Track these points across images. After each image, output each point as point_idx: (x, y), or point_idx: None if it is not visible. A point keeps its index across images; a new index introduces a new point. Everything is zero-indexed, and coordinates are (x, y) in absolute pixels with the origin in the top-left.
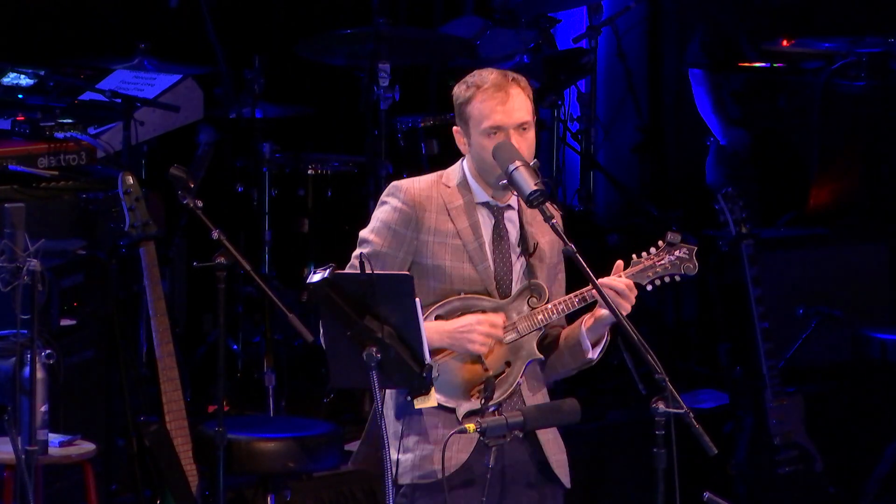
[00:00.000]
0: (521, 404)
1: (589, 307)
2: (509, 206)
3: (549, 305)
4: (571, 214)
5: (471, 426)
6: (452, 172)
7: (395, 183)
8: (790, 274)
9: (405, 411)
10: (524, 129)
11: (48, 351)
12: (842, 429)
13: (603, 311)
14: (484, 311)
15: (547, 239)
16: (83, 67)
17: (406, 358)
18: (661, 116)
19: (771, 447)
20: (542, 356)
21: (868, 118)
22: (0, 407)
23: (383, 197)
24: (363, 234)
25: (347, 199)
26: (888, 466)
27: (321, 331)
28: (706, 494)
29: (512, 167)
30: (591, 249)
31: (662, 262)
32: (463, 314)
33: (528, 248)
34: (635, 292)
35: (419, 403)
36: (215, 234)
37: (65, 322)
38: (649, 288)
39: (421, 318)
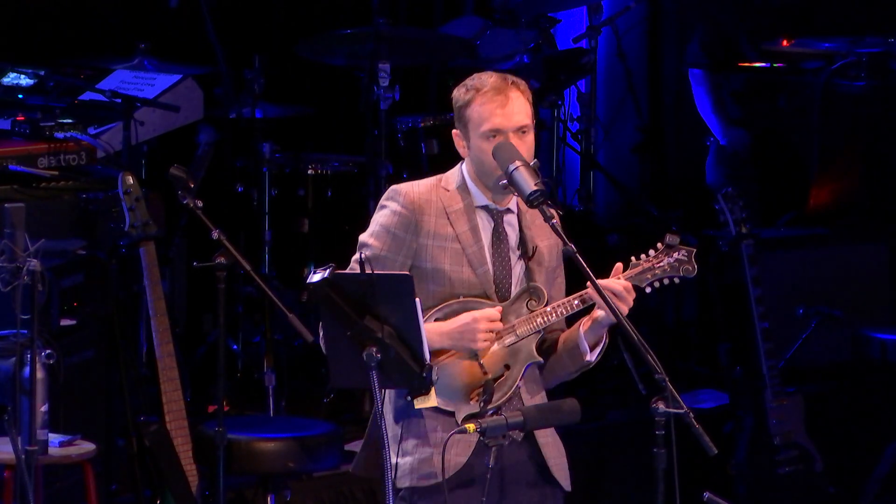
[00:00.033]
0: (520, 407)
1: (588, 310)
2: (508, 210)
3: (548, 308)
4: (571, 214)
5: (471, 426)
6: (452, 176)
7: (394, 187)
8: (790, 274)
9: (404, 415)
10: (523, 132)
11: (48, 351)
12: (842, 429)
13: (600, 313)
14: None
15: (546, 243)
16: (83, 67)
17: (406, 358)
18: (661, 116)
19: (771, 447)
20: (541, 359)
21: (868, 118)
22: (0, 407)
23: (382, 201)
24: (363, 238)
25: (347, 199)
26: (888, 466)
27: (321, 332)
28: (706, 494)
29: (512, 167)
30: (591, 249)
31: (661, 264)
32: None
33: (527, 252)
34: (633, 294)
35: (419, 403)
36: (215, 234)
37: (65, 322)
38: (648, 290)
39: (421, 318)
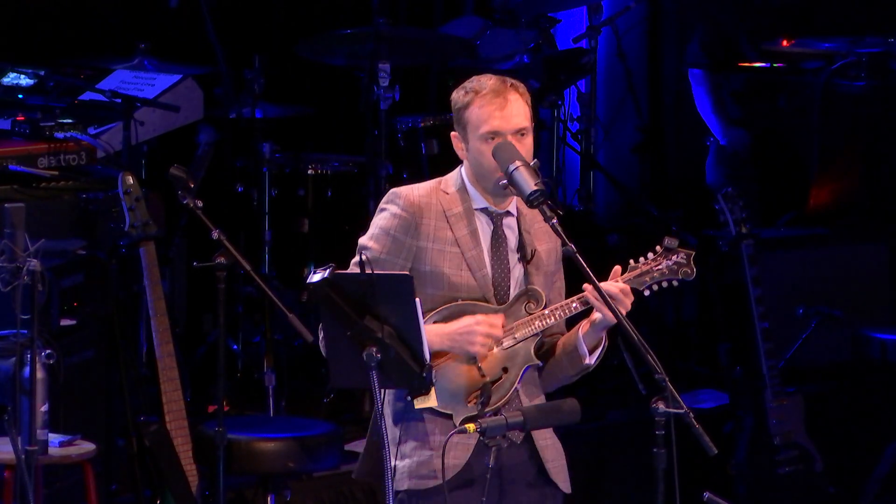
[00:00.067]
0: (520, 407)
1: (587, 313)
2: (508, 213)
3: (547, 311)
4: (571, 214)
5: (471, 426)
6: (451, 178)
7: (394, 190)
8: (790, 274)
9: (402, 417)
10: (522, 134)
11: (48, 351)
12: (842, 429)
13: (597, 315)
14: None
15: (545, 247)
16: (83, 67)
17: (406, 358)
18: (661, 116)
19: (771, 447)
20: (539, 361)
21: (868, 118)
22: (0, 407)
23: (382, 204)
24: (362, 240)
25: (347, 199)
26: (888, 466)
27: (321, 333)
28: (706, 494)
29: (512, 167)
30: (591, 249)
31: (660, 267)
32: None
33: (525, 255)
34: (631, 298)
35: (419, 403)
36: (215, 234)
37: (65, 322)
38: (647, 293)
39: (421, 318)
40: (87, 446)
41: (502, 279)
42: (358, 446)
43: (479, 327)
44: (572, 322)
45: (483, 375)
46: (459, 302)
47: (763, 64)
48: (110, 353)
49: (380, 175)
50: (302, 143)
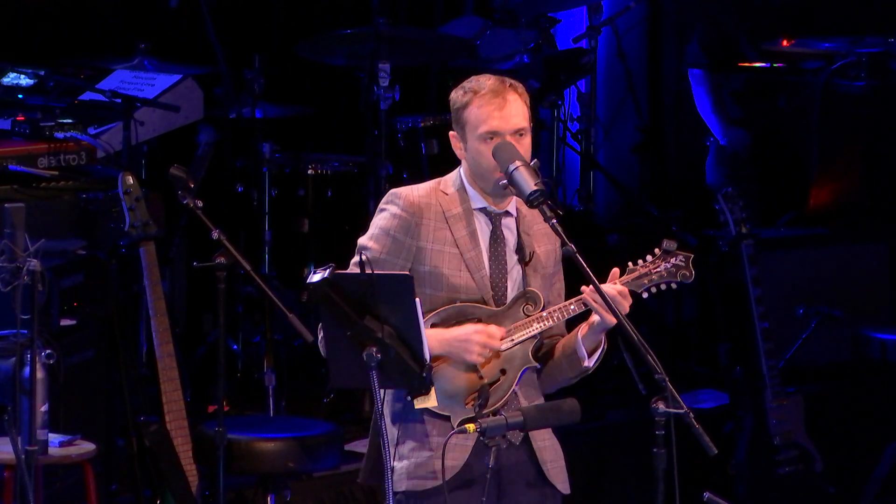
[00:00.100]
0: (520, 407)
1: (586, 315)
2: (507, 213)
3: (545, 313)
4: (571, 214)
5: (471, 426)
6: (450, 179)
7: (393, 190)
8: (790, 274)
9: (401, 418)
10: (521, 135)
11: (48, 351)
12: (842, 429)
13: (596, 318)
14: (480, 321)
15: (543, 249)
16: (83, 67)
17: (406, 358)
18: (661, 116)
19: (771, 447)
20: (537, 364)
21: (868, 118)
22: (0, 407)
23: (382, 204)
24: (362, 241)
25: (347, 199)
26: (888, 466)
27: (320, 333)
28: (706, 494)
29: (512, 167)
30: (591, 249)
31: (658, 269)
32: (458, 322)
33: (523, 257)
34: (629, 300)
35: (419, 403)
36: (215, 234)
37: (65, 322)
38: (645, 296)
39: (421, 318)
40: (87, 446)
41: (500, 280)
42: (358, 446)
43: (476, 336)
44: (572, 323)
45: (481, 377)
46: (458, 304)
47: (763, 64)
48: (110, 353)
49: (380, 175)
50: (302, 143)
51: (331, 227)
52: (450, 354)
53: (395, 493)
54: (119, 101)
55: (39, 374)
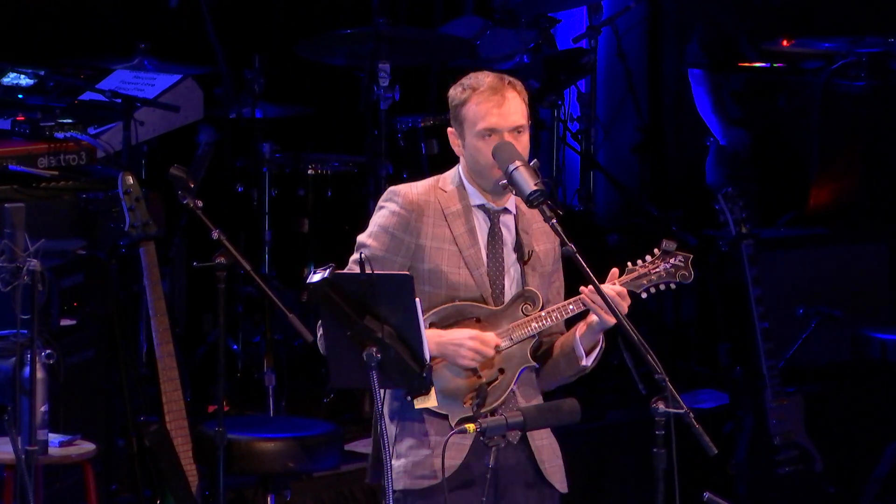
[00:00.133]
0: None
1: (585, 314)
2: (506, 210)
3: (543, 312)
4: (571, 214)
5: (471, 426)
6: (449, 176)
7: (392, 188)
8: (790, 274)
9: (399, 416)
10: (519, 132)
11: (48, 351)
12: (842, 429)
13: (594, 318)
14: (478, 320)
15: (542, 247)
16: (83, 67)
17: (406, 358)
18: (661, 116)
19: (771, 447)
20: (535, 363)
21: (868, 118)
22: (0, 407)
23: (381, 202)
24: (361, 238)
25: (347, 199)
26: (888, 466)
27: (319, 331)
28: (706, 494)
29: (512, 167)
30: (591, 249)
31: (657, 269)
32: (456, 321)
33: (522, 256)
34: (628, 301)
35: (419, 403)
36: (215, 234)
37: (65, 322)
38: (644, 296)
39: (421, 318)
40: (87, 446)
41: (497, 277)
42: (358, 446)
43: (469, 342)
44: (571, 322)
45: (479, 376)
46: (457, 303)
47: (763, 64)
48: (110, 353)
49: (380, 175)
50: (302, 143)
51: (331, 227)
52: (443, 356)
53: (392, 492)
54: (119, 101)
55: (39, 374)
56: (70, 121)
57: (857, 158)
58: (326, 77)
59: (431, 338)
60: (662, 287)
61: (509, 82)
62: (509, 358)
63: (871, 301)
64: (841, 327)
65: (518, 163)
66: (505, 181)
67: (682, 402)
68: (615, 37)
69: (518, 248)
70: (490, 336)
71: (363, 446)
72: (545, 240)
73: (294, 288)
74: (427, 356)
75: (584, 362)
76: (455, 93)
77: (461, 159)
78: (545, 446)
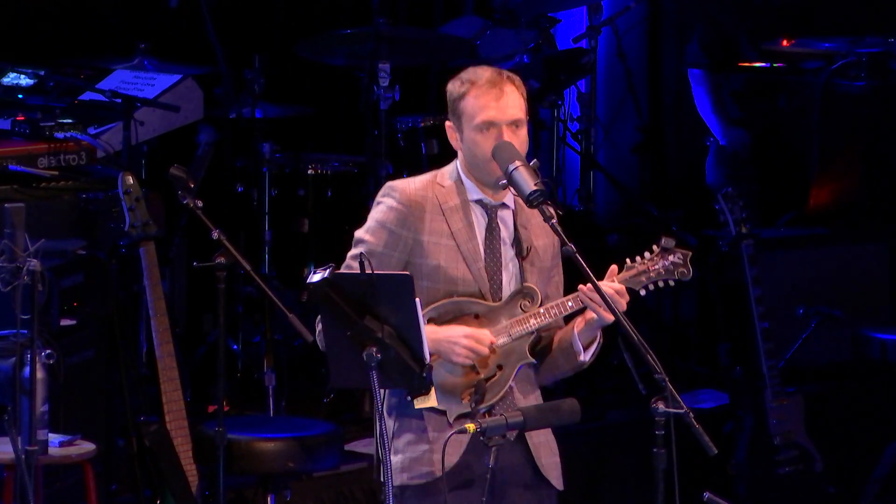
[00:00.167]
0: (520, 407)
1: (583, 310)
2: (504, 205)
3: (542, 309)
4: (571, 214)
5: (471, 426)
6: (447, 171)
7: (389, 183)
8: (790, 274)
9: (397, 412)
10: (517, 126)
11: (48, 351)
12: (842, 429)
13: (592, 315)
14: (477, 316)
15: (541, 242)
16: (83, 67)
17: (406, 358)
18: (661, 116)
19: (771, 447)
20: (533, 360)
21: (868, 118)
22: (0, 407)
23: (378, 197)
24: (358, 233)
25: (347, 199)
26: (888, 466)
27: (318, 327)
28: (706, 494)
29: (512, 167)
30: (591, 249)
31: (656, 267)
32: (455, 317)
33: (520, 251)
34: (626, 298)
35: (419, 403)
36: (215, 234)
37: (65, 322)
38: (643, 293)
39: (421, 318)
40: (87, 446)
41: (495, 272)
42: (358, 446)
43: (464, 340)
44: (570, 317)
45: (478, 373)
46: (455, 298)
47: (763, 64)
48: (110, 353)
49: (380, 175)
50: (302, 143)
51: (331, 227)
52: (438, 353)
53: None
54: (119, 101)
55: (39, 374)
56: (70, 121)
57: (857, 158)
58: (326, 77)
59: (427, 334)
60: (661, 284)
61: (508, 76)
62: (508, 354)
63: (871, 301)
64: (841, 327)
65: (518, 163)
66: (505, 181)
67: (682, 402)
68: (615, 37)
69: (516, 243)
70: (485, 334)
71: (363, 446)
72: (544, 235)
73: (294, 288)
74: (427, 356)
75: (582, 357)
76: (453, 86)
77: (459, 154)
78: (542, 443)
